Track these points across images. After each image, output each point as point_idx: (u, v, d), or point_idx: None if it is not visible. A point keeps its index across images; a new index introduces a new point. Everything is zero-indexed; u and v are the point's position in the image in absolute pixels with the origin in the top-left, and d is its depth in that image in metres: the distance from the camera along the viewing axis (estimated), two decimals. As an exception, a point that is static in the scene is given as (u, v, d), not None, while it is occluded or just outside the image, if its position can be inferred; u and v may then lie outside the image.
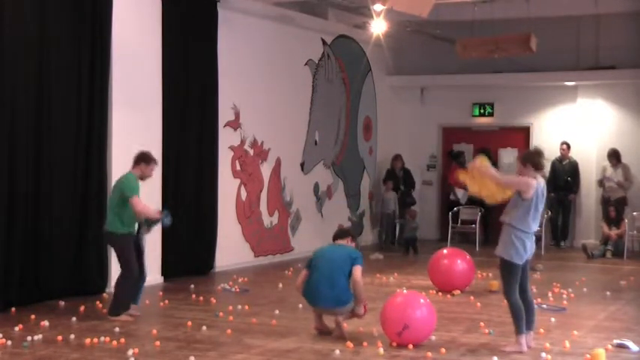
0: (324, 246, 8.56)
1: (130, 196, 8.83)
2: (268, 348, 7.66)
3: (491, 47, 13.77)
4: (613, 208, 15.43)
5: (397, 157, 16.91)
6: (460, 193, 16.95)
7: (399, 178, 16.77)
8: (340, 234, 8.59)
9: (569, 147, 16.49)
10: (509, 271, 7.55)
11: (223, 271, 12.59)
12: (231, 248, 13.04)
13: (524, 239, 7.49)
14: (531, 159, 7.60)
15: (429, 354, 7.36)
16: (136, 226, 9.10)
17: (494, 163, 16.75)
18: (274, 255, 13.94)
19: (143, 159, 9.11)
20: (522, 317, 7.54)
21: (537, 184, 7.52)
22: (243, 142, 13.40)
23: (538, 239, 15.70)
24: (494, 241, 8.03)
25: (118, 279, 9.03)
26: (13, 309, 9.18)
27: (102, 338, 7.81)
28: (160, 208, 9.22)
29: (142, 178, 9.11)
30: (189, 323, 8.61)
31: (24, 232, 9.53)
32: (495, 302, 9.88)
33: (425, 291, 10.43)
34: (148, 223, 9.17)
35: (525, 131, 17.44)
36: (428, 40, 16.56)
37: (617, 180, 15.79)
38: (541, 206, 7.55)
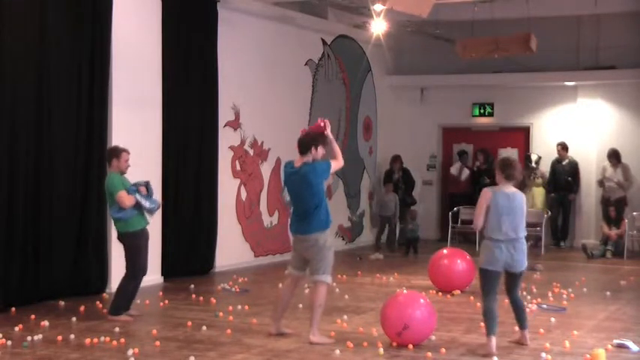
0: (289, 173, 8.07)
1: (115, 193, 8.79)
2: (268, 348, 7.66)
3: (491, 47, 13.77)
4: (613, 208, 15.43)
5: (396, 159, 16.83)
6: (456, 169, 17.06)
7: (398, 178, 16.72)
8: (303, 147, 7.96)
9: (564, 148, 16.47)
10: (481, 275, 7.64)
11: (223, 271, 12.60)
12: (231, 248, 13.04)
13: (491, 247, 7.52)
14: (503, 168, 7.64)
15: (429, 354, 7.36)
16: (147, 218, 9.06)
17: (492, 163, 16.88)
18: (274, 255, 13.94)
19: (113, 155, 9.01)
20: (491, 319, 7.50)
21: (494, 193, 7.54)
22: (243, 142, 13.40)
23: (538, 239, 15.87)
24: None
25: (123, 278, 9.01)
26: (13, 309, 9.18)
27: (102, 338, 7.81)
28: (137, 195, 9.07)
29: (122, 172, 8.99)
30: (189, 323, 8.61)
31: (24, 232, 9.54)
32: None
33: (425, 291, 10.43)
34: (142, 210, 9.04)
35: (525, 131, 17.44)
36: (428, 40, 16.56)
37: (617, 180, 15.79)
38: (506, 215, 7.47)
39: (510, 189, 7.59)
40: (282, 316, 8.28)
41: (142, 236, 8.98)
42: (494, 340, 7.47)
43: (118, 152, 8.99)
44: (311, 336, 7.84)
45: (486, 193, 7.60)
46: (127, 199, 8.78)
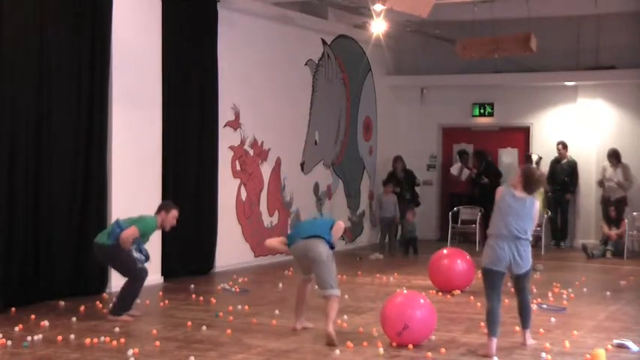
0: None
1: (133, 225, 8.90)
2: (268, 348, 7.66)
3: (492, 47, 13.76)
4: (613, 208, 15.43)
5: (398, 159, 16.72)
6: (456, 169, 17.05)
7: (400, 179, 16.51)
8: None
9: (565, 147, 16.49)
10: (483, 275, 7.66)
11: (223, 271, 12.59)
12: (231, 248, 13.04)
13: (494, 246, 7.52)
14: (527, 180, 7.66)
15: (429, 354, 7.35)
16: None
17: (491, 163, 16.91)
18: (274, 255, 13.91)
19: (162, 207, 9.26)
20: (492, 321, 7.49)
21: (504, 192, 7.65)
22: (243, 142, 13.40)
23: (538, 239, 15.86)
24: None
25: (127, 282, 9.03)
26: (13, 309, 9.17)
27: (102, 338, 7.81)
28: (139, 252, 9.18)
29: (163, 227, 9.24)
30: (189, 323, 8.61)
31: (24, 232, 9.53)
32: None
33: (425, 291, 10.43)
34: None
35: (525, 131, 17.44)
36: (428, 40, 16.56)
37: (617, 180, 15.79)
38: (512, 216, 7.49)
39: (522, 193, 7.60)
40: (302, 312, 8.41)
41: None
42: (494, 342, 7.45)
43: (168, 207, 9.22)
44: (329, 328, 7.82)
45: (499, 190, 7.76)
46: (130, 239, 8.86)
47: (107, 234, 9.01)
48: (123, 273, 9.12)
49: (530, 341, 7.77)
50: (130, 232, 8.86)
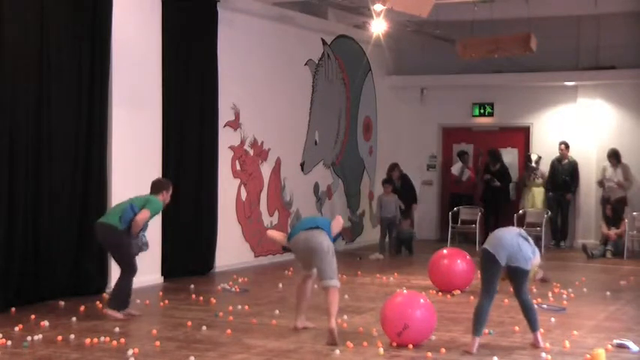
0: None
1: (145, 207, 8.94)
2: (268, 348, 7.66)
3: (492, 47, 13.77)
4: (610, 207, 15.43)
5: (394, 167, 15.99)
6: (457, 169, 17.02)
7: (397, 188, 15.67)
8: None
9: (567, 147, 16.50)
10: (480, 256, 7.75)
11: (223, 271, 12.60)
12: (231, 248, 13.04)
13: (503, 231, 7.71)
14: None
15: (429, 354, 7.36)
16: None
17: (505, 165, 16.87)
18: (274, 255, 13.94)
19: (164, 187, 9.35)
20: (478, 318, 7.52)
21: None
22: (243, 142, 13.40)
23: (538, 239, 15.86)
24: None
25: (121, 277, 9.06)
26: (13, 309, 9.18)
27: (102, 338, 7.81)
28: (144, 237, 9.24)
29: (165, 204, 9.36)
30: (189, 323, 8.61)
31: (24, 232, 9.53)
32: (495, 302, 9.83)
33: (425, 291, 10.43)
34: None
35: (525, 131, 17.44)
36: (428, 40, 16.56)
37: (617, 180, 15.79)
38: None
39: None
40: (303, 310, 8.43)
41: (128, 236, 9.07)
42: (477, 341, 7.51)
43: (168, 185, 9.38)
44: (331, 324, 7.82)
45: None
46: (142, 224, 8.92)
47: (118, 216, 8.96)
48: (121, 263, 9.10)
49: (542, 343, 7.70)
50: (144, 216, 8.90)
